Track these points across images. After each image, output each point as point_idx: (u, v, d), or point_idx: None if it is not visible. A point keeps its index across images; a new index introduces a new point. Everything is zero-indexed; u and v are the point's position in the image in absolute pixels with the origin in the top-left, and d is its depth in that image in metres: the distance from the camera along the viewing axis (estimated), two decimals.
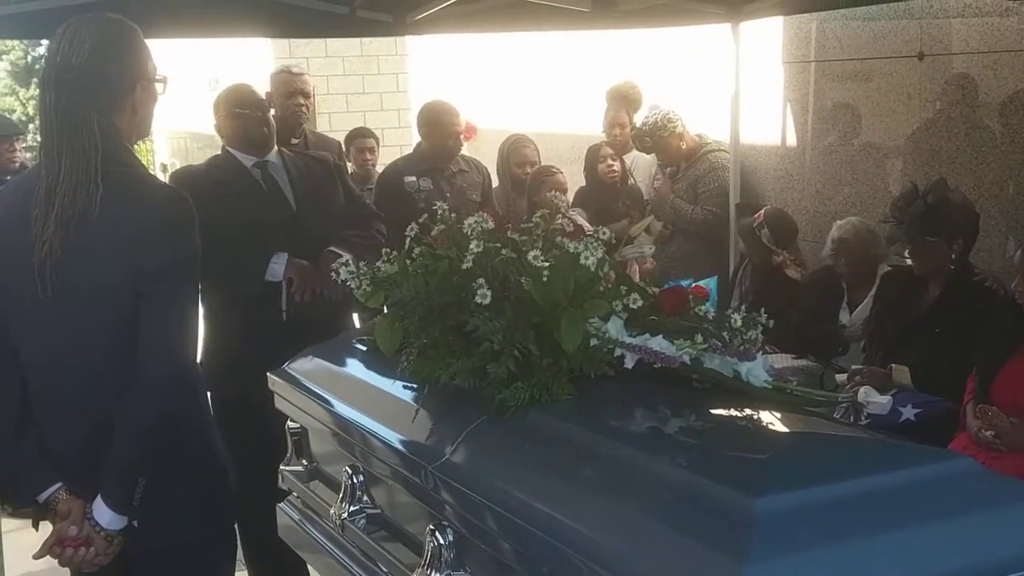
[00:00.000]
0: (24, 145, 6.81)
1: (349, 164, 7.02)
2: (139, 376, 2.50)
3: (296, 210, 4.16)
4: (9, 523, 4.80)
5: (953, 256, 4.15)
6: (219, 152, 4.32)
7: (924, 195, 4.11)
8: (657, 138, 6.04)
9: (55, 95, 2.51)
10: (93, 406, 2.56)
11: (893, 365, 4.10)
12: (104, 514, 2.55)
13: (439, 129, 5.60)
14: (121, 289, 2.49)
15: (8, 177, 5.80)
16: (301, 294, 3.96)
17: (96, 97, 2.51)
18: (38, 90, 2.58)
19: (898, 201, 4.22)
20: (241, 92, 4.29)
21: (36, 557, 2.63)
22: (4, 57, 29.23)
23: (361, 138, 7.26)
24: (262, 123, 4.21)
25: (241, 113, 4.18)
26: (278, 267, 3.99)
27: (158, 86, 2.66)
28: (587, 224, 5.16)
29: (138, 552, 2.62)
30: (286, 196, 4.18)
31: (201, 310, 2.88)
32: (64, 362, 2.56)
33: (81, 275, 2.49)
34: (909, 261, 4.22)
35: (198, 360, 2.77)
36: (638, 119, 6.50)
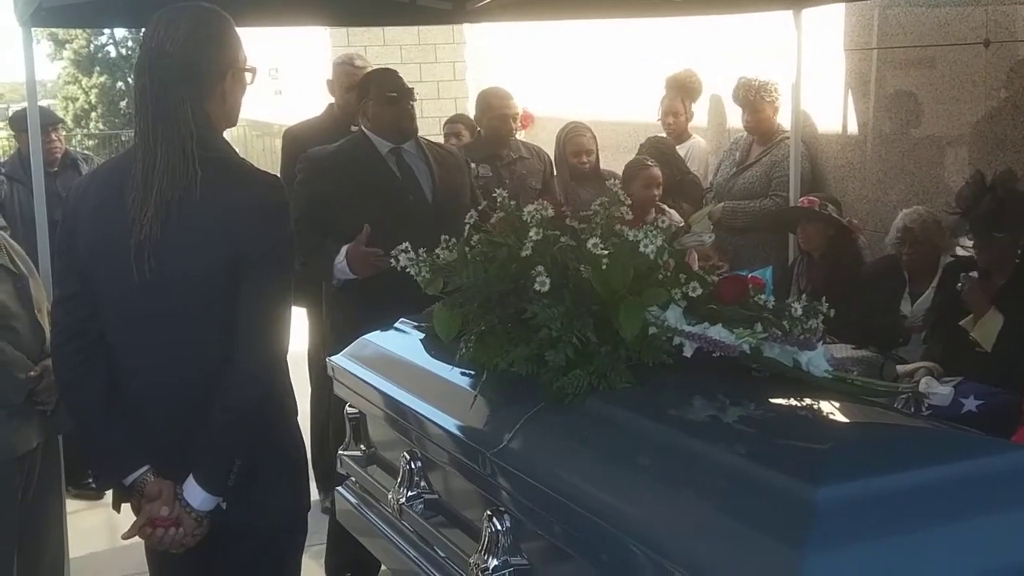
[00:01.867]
0: (64, 134, 6.86)
1: None
2: (238, 360, 2.53)
3: (432, 201, 4.14)
4: (73, 504, 4.89)
5: (1020, 252, 4.09)
6: (354, 133, 4.33)
7: (991, 187, 4.04)
8: (756, 99, 5.93)
9: (149, 81, 2.55)
10: (185, 389, 2.59)
11: None
12: (196, 495, 2.58)
13: (489, 112, 5.61)
14: (219, 273, 2.53)
15: (55, 169, 5.85)
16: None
17: (189, 84, 2.55)
18: (133, 76, 2.62)
19: (964, 191, 4.15)
20: (394, 77, 4.31)
21: (125, 537, 2.67)
22: (68, 46, 29.67)
23: (452, 123, 7.11)
24: (413, 113, 4.23)
25: (394, 98, 4.18)
26: (343, 264, 3.97)
27: (247, 75, 2.70)
28: (681, 220, 5.13)
29: (221, 533, 2.65)
30: (421, 186, 4.16)
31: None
32: (158, 345, 2.60)
33: (179, 259, 2.53)
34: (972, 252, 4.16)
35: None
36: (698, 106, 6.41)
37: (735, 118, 6.31)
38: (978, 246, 4.11)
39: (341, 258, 3.96)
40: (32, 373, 3.50)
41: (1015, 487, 1.79)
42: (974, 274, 4.12)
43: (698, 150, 6.66)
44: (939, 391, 3.93)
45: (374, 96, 4.23)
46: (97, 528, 5.05)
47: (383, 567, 4.34)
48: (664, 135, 6.59)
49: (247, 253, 2.52)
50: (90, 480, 5.77)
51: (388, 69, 4.46)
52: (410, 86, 4.31)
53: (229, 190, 2.55)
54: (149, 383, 2.62)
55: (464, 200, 4.19)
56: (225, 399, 2.53)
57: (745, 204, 5.91)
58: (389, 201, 4.06)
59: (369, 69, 5.47)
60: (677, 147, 6.38)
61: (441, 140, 7.01)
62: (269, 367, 2.59)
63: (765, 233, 5.85)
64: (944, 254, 4.75)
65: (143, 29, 2.66)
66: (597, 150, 5.97)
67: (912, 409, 3.34)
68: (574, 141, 5.93)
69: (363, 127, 4.28)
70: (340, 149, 4.26)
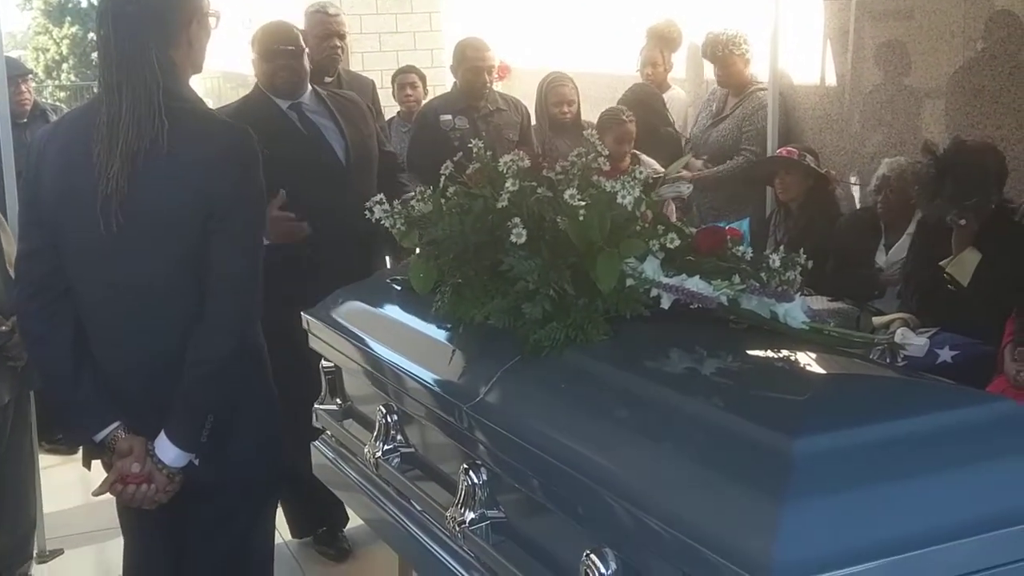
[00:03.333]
0: (34, 85, 6.75)
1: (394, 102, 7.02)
2: (210, 311, 2.50)
3: (345, 161, 4.06)
4: (46, 459, 4.87)
5: (993, 205, 4.13)
6: (252, 91, 4.21)
7: (949, 166, 4.08)
8: (725, 53, 5.90)
9: (112, 30, 2.50)
10: (156, 343, 2.56)
11: None
12: (168, 451, 2.56)
13: (464, 63, 5.55)
14: (188, 224, 2.49)
15: (24, 120, 5.77)
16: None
17: (154, 31, 2.50)
18: (95, 25, 2.57)
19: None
20: (277, 31, 4.17)
21: (95, 494, 2.65)
22: None
23: (403, 73, 7.15)
24: (291, 70, 4.06)
25: (272, 53, 4.06)
26: None
27: (211, 20, 2.65)
28: (660, 170, 5.10)
29: (193, 488, 2.63)
30: (332, 145, 4.06)
31: None
32: (127, 299, 2.56)
33: (147, 211, 2.49)
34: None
35: None
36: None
37: (711, 70, 6.29)
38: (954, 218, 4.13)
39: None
40: (3, 328, 3.46)
41: (991, 437, 1.79)
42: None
43: (677, 102, 6.63)
44: (915, 342, 3.95)
45: (257, 51, 4.12)
46: (70, 483, 5.03)
47: (350, 520, 4.37)
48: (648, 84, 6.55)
49: (216, 205, 2.48)
50: (61, 436, 5.76)
51: (274, 22, 4.25)
52: (290, 46, 4.11)
53: (197, 141, 2.51)
54: (117, 338, 2.59)
55: (373, 151, 4.13)
56: (196, 353, 2.51)
57: (715, 168, 5.88)
58: (300, 163, 3.92)
59: (344, 17, 5.40)
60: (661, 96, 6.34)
61: (393, 92, 6.97)
62: (241, 320, 2.57)
63: (741, 186, 5.84)
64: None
65: None
66: (579, 101, 5.95)
67: (888, 360, 3.34)
68: (556, 91, 5.90)
69: (259, 83, 4.16)
70: (241, 110, 4.08)
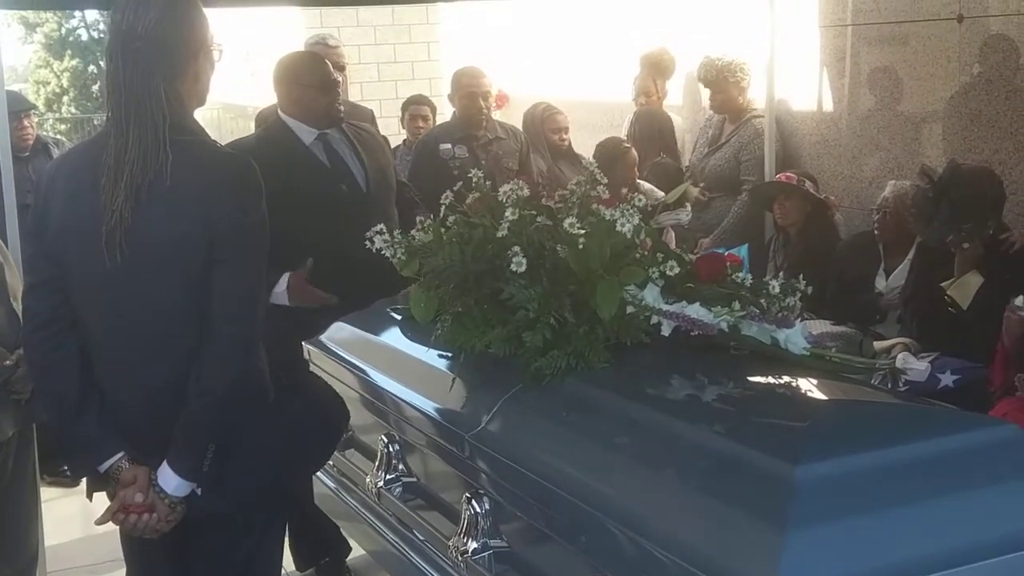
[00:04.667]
0: (37, 120, 6.76)
1: (403, 131, 7.01)
2: (213, 341, 2.51)
3: (366, 189, 4.05)
4: (47, 492, 4.85)
5: (991, 230, 4.13)
6: (271, 122, 4.17)
7: (942, 192, 4.09)
8: (721, 79, 5.92)
9: (122, 64, 2.53)
10: (159, 374, 2.57)
11: None
12: (171, 480, 2.56)
13: (460, 90, 5.57)
14: (192, 256, 2.51)
15: (26, 154, 5.78)
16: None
17: (162, 65, 2.53)
18: (104, 60, 2.60)
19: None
20: (323, 63, 4.20)
21: (98, 523, 2.64)
22: (38, 29, 29.38)
23: (416, 104, 7.14)
24: (337, 99, 4.09)
25: (328, 84, 4.06)
26: (282, 292, 3.73)
27: (215, 53, 2.68)
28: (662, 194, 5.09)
29: (195, 518, 2.63)
30: (353, 173, 4.06)
31: None
32: (131, 331, 2.57)
33: (151, 242, 2.51)
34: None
35: None
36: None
37: (707, 96, 6.31)
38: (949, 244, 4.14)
39: (281, 287, 3.76)
40: (8, 362, 3.46)
41: (993, 462, 1.79)
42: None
43: (674, 129, 6.64)
44: (916, 367, 3.94)
45: (306, 81, 4.07)
46: (72, 516, 5.00)
47: (353, 550, 4.35)
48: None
49: (219, 236, 2.49)
50: (66, 468, 5.74)
51: (314, 53, 4.30)
52: (338, 78, 4.20)
53: (200, 172, 2.53)
54: (121, 369, 2.60)
55: (391, 182, 4.15)
56: (199, 383, 2.51)
57: (720, 228, 5.88)
58: (321, 192, 3.92)
59: (344, 49, 5.43)
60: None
61: (403, 119, 6.98)
62: (243, 350, 2.57)
63: (740, 210, 5.85)
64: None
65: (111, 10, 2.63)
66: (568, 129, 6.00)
67: (889, 385, 3.34)
68: (553, 119, 5.94)
69: (281, 113, 4.12)
70: (263, 140, 4.07)
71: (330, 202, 3.91)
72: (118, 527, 2.67)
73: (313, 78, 4.07)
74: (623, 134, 6.36)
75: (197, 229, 2.49)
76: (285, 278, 3.75)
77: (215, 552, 2.72)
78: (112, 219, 2.48)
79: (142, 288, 2.53)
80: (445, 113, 7.24)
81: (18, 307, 3.69)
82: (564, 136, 5.89)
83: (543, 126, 5.93)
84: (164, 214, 2.50)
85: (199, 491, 2.59)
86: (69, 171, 2.65)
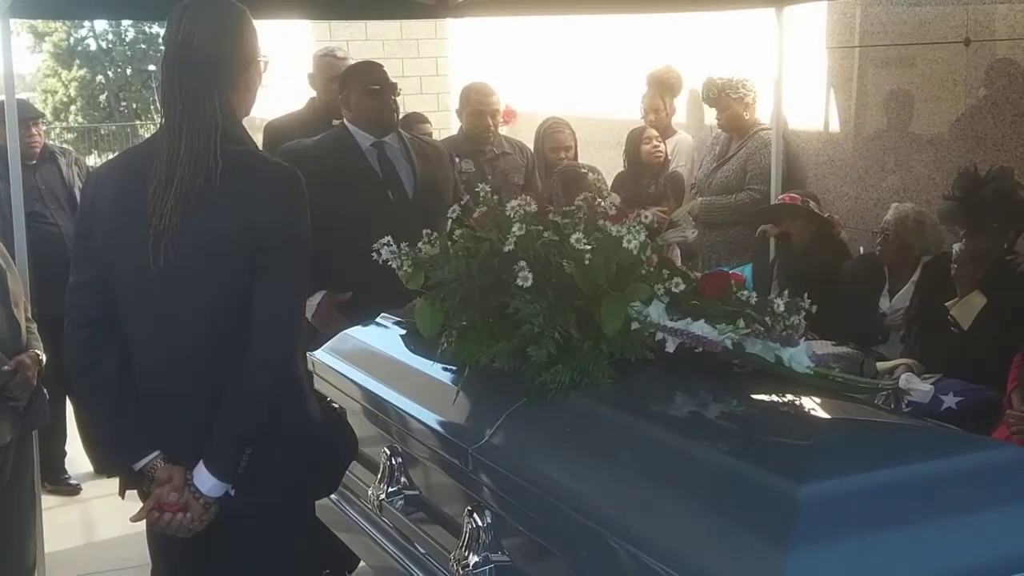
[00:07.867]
0: (44, 129, 6.78)
1: None
2: (252, 346, 2.55)
3: (412, 197, 4.12)
4: (48, 500, 4.86)
5: (1006, 245, 4.14)
6: (335, 127, 4.30)
7: (991, 179, 4.10)
8: (724, 96, 5.95)
9: (179, 75, 2.59)
10: (199, 377, 2.61)
11: None
12: (206, 481, 2.59)
13: (468, 106, 5.60)
14: (236, 263, 2.56)
15: (33, 162, 5.80)
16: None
17: (217, 76, 2.60)
18: (160, 70, 2.67)
19: (961, 181, 4.20)
20: (378, 70, 4.32)
21: (134, 519, 2.68)
22: (47, 39, 29.51)
23: (419, 124, 7.17)
24: (395, 106, 4.22)
25: (376, 91, 4.17)
26: (311, 305, 3.85)
27: (263, 65, 2.74)
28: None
29: (226, 519, 2.65)
30: (402, 181, 4.14)
31: None
32: (172, 332, 2.62)
33: (197, 247, 2.56)
34: (956, 246, 4.20)
35: None
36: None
37: (714, 114, 6.34)
38: (970, 234, 4.14)
39: (314, 302, 3.87)
40: (6, 368, 3.47)
41: (996, 484, 1.79)
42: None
43: (684, 146, 6.66)
44: (919, 387, 3.92)
45: (357, 88, 4.21)
46: (72, 524, 5.02)
47: (360, 563, 4.35)
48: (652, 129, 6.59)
49: (265, 243, 2.55)
50: (67, 476, 5.74)
51: (371, 61, 4.45)
52: (393, 81, 4.29)
53: (248, 182, 2.59)
54: (163, 371, 2.64)
55: (446, 195, 4.18)
56: (237, 386, 2.55)
57: (720, 199, 5.93)
58: (368, 197, 4.02)
59: (351, 62, 5.44)
60: (665, 141, 6.35)
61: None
62: (283, 356, 2.62)
63: (742, 229, 5.87)
64: (926, 254, 4.76)
65: (164, 22, 2.70)
66: (576, 146, 5.99)
67: (892, 405, 3.33)
68: (553, 137, 5.96)
69: (345, 120, 4.25)
70: (321, 143, 4.23)
71: (375, 208, 3.96)
72: (146, 529, 2.71)
73: (364, 84, 4.15)
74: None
75: (242, 237, 2.56)
76: (319, 296, 3.79)
77: (243, 550, 2.74)
78: (161, 223, 2.55)
79: (186, 292, 2.59)
80: (452, 128, 7.26)
81: (18, 314, 3.71)
82: (564, 154, 5.88)
83: (543, 144, 5.96)
84: (211, 221, 2.56)
85: (232, 492, 2.63)
86: (118, 175, 2.73)
